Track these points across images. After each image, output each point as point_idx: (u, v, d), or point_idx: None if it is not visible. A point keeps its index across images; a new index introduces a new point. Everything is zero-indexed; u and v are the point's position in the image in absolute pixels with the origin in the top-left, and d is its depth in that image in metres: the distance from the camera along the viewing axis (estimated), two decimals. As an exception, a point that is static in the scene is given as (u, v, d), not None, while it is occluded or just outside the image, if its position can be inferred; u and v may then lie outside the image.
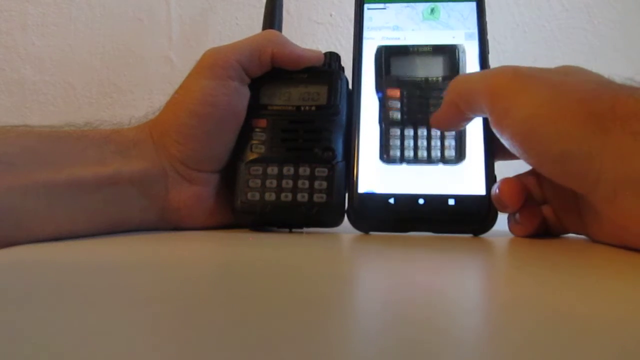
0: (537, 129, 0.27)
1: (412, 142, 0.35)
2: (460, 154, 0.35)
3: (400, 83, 0.37)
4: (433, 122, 0.34)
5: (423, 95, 0.36)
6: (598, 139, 0.25)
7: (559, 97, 0.27)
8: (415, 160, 0.35)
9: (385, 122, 0.36)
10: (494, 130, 0.30)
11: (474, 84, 0.30)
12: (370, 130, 0.36)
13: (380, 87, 0.37)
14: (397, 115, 0.36)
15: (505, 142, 0.29)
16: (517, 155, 0.29)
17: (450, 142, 0.35)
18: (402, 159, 0.35)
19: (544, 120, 0.27)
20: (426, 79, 0.37)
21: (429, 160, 0.35)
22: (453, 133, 0.35)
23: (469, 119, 0.33)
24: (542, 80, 0.28)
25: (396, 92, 0.36)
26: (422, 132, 0.36)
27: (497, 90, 0.28)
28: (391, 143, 0.36)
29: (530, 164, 0.30)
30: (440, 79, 0.37)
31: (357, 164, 0.35)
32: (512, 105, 0.28)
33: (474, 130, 0.35)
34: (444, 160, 0.35)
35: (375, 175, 0.35)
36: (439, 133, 0.35)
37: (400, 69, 0.37)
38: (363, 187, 0.35)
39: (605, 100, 0.26)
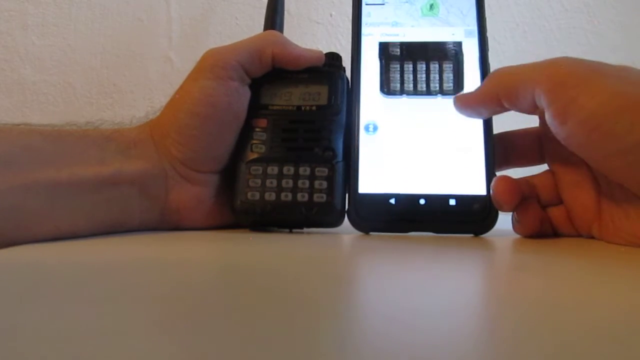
0: (610, 120, 0.25)
1: (411, 76, 0.36)
2: (458, 86, 0.36)
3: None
4: (460, 102, 0.33)
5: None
6: None
7: (631, 88, 0.26)
8: (415, 92, 0.36)
9: (385, 58, 0.37)
10: (552, 123, 0.28)
11: (526, 75, 0.29)
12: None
13: None
14: (397, 51, 0.37)
15: (563, 134, 0.28)
16: (574, 149, 0.28)
17: (448, 76, 0.36)
18: (402, 91, 0.36)
19: (617, 111, 0.25)
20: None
21: (428, 92, 0.36)
22: (451, 66, 0.36)
23: (501, 112, 0.32)
24: (609, 71, 0.27)
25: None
26: (421, 66, 0.36)
27: (562, 79, 0.27)
28: (391, 76, 0.37)
29: (590, 158, 0.28)
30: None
31: (357, 163, 0.35)
32: (579, 94, 0.26)
33: (475, 130, 0.35)
34: (442, 92, 0.36)
35: (377, 108, 0.36)
36: (437, 67, 0.36)
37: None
38: (365, 120, 0.36)
39: None
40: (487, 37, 0.37)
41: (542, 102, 0.28)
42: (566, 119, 0.27)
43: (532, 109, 0.30)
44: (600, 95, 0.26)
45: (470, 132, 0.35)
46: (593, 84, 0.26)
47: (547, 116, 0.28)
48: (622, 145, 0.26)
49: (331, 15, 0.70)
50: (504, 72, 0.31)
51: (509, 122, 0.35)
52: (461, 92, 0.34)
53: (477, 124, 0.35)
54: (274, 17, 0.43)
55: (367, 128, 0.36)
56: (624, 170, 0.27)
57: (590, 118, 0.26)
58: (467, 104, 0.33)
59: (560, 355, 0.12)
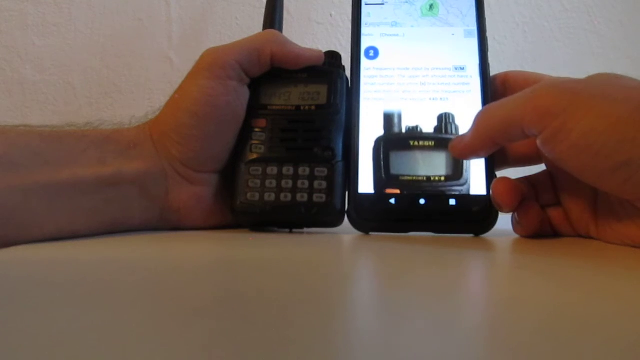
0: (598, 141, 0.26)
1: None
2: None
3: None
4: (456, 151, 0.33)
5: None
6: None
7: (616, 106, 0.26)
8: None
9: None
10: (543, 149, 0.29)
11: (511, 112, 0.29)
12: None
13: None
14: None
15: (555, 158, 0.28)
16: (567, 170, 0.29)
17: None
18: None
19: (604, 132, 0.26)
20: None
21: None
22: None
23: (500, 147, 0.32)
24: (591, 93, 0.27)
25: None
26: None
27: (547, 110, 0.27)
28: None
29: (583, 177, 0.28)
30: None
31: (357, 163, 0.35)
32: (566, 120, 0.27)
33: (470, 49, 0.37)
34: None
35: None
36: None
37: None
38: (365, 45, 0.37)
39: None
40: (487, 37, 0.37)
41: (532, 132, 0.29)
42: (556, 145, 0.28)
43: (526, 138, 0.30)
44: (585, 118, 0.26)
45: (464, 51, 0.37)
46: (577, 108, 0.27)
47: (539, 143, 0.29)
48: (612, 164, 0.26)
49: (331, 15, 0.70)
50: (490, 114, 0.31)
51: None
52: (454, 139, 0.33)
53: (472, 46, 0.37)
54: (273, 16, 0.43)
55: (367, 53, 0.37)
56: (618, 186, 0.27)
57: (579, 142, 0.26)
58: (464, 153, 0.33)
59: (562, 354, 0.12)
